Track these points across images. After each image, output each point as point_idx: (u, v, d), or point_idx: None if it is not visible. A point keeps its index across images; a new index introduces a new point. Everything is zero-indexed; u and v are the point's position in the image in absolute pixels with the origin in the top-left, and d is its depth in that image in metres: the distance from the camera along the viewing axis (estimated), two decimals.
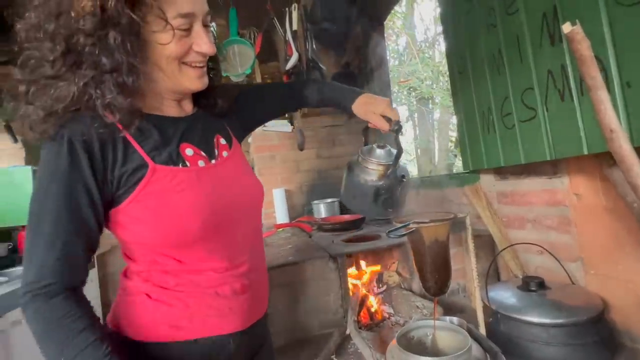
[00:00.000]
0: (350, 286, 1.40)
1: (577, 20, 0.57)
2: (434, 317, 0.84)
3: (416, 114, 6.07)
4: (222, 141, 0.71)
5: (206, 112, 0.73)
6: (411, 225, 0.74)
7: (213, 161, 0.67)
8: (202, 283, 0.63)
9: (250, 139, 2.42)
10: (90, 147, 0.55)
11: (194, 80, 0.63)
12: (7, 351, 1.51)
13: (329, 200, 2.21)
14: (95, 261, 2.53)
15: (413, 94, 5.92)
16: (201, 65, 0.62)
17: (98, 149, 0.56)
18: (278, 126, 2.32)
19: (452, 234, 1.38)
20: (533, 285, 0.97)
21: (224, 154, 0.70)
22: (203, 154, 0.66)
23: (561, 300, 0.92)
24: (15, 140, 2.48)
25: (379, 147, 0.87)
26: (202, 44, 0.59)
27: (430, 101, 6.00)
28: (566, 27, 0.55)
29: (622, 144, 0.53)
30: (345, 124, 2.51)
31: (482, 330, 0.79)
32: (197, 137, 0.67)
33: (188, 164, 0.63)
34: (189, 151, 0.64)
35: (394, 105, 0.80)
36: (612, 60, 0.77)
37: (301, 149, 1.98)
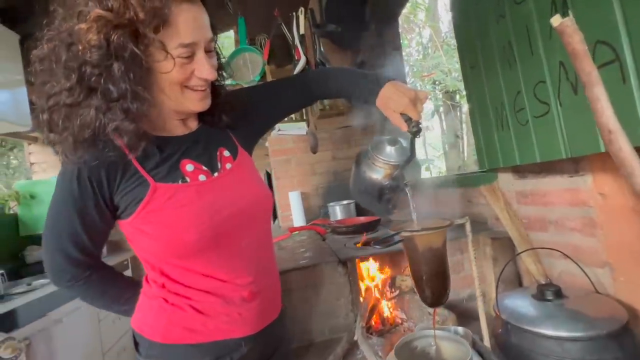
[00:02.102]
0: (362, 290, 1.39)
1: (569, 12, 0.52)
2: (433, 327, 0.81)
3: (442, 107, 5.84)
4: (226, 153, 0.74)
5: (211, 126, 0.75)
6: (403, 234, 0.71)
7: (216, 174, 0.69)
8: (210, 291, 0.67)
9: (267, 143, 2.46)
10: (97, 175, 0.61)
11: (197, 103, 0.66)
12: (50, 349, 1.66)
13: (345, 202, 2.20)
14: (130, 263, 2.71)
15: (438, 87, 5.72)
16: (203, 88, 0.65)
17: (104, 175, 0.62)
18: (293, 129, 2.33)
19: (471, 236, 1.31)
20: (549, 294, 0.90)
21: (228, 166, 0.72)
22: (204, 168, 0.69)
23: (580, 310, 0.84)
24: (57, 152, 2.72)
25: (390, 143, 0.83)
26: (204, 70, 0.62)
27: (457, 94, 5.76)
28: (555, 20, 0.50)
29: (622, 146, 0.47)
30: (361, 124, 2.48)
31: (487, 342, 0.74)
32: (198, 153, 0.70)
33: (188, 179, 0.66)
34: (189, 167, 0.67)
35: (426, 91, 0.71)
36: (626, 48, 0.69)
37: (314, 152, 1.98)
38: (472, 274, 1.39)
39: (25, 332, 1.52)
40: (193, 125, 0.74)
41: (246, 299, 0.69)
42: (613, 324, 0.78)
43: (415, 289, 0.76)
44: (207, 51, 0.63)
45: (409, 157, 0.78)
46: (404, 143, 0.85)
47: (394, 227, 0.75)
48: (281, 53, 2.33)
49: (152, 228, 0.62)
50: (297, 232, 1.93)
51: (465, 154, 5.81)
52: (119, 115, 0.57)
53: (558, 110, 0.92)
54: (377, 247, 0.65)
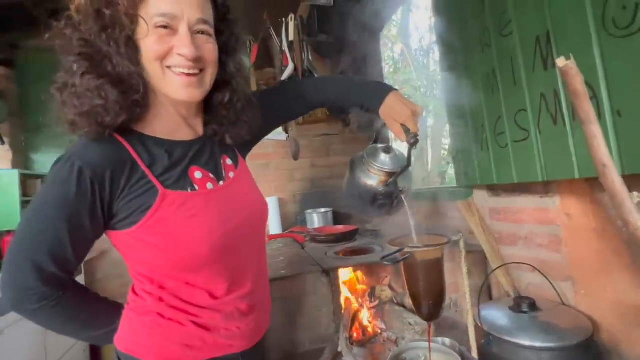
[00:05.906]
0: (342, 300, 1.39)
1: (571, 55, 0.58)
2: (428, 340, 0.83)
3: None
4: (229, 161, 0.72)
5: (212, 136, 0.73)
6: (406, 250, 0.73)
7: (221, 183, 0.67)
8: (210, 305, 0.64)
9: None
10: (101, 176, 0.55)
11: (180, 89, 0.60)
12: (2, 351, 1.48)
13: (323, 210, 2.21)
14: (83, 267, 2.47)
15: None
16: (185, 71, 0.60)
17: (109, 176, 0.56)
18: (273, 134, 2.30)
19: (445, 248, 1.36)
20: (525, 306, 0.97)
21: (231, 174, 0.70)
22: (212, 176, 0.66)
23: (552, 322, 0.92)
24: (3, 142, 2.42)
25: (384, 151, 0.85)
26: (182, 46, 0.58)
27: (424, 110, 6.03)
28: (560, 62, 0.56)
29: (615, 179, 0.53)
30: (340, 133, 2.52)
31: (474, 353, 0.78)
32: (206, 160, 0.67)
33: (197, 187, 0.63)
34: (197, 174, 0.64)
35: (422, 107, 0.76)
36: (603, 89, 0.78)
37: (295, 159, 1.98)
38: (454, 282, 1.46)
39: None
40: (199, 129, 0.71)
41: (244, 312, 0.67)
42: (581, 335, 0.86)
43: (412, 303, 0.78)
44: (196, 32, 0.60)
45: (405, 166, 0.81)
46: (397, 152, 0.89)
47: (393, 242, 0.77)
48: (262, 55, 2.30)
49: (158, 239, 0.58)
50: (273, 239, 1.89)
51: (430, 167, 6.10)
52: (114, 93, 0.55)
53: (537, 137, 1.01)
54: (387, 262, 0.66)
